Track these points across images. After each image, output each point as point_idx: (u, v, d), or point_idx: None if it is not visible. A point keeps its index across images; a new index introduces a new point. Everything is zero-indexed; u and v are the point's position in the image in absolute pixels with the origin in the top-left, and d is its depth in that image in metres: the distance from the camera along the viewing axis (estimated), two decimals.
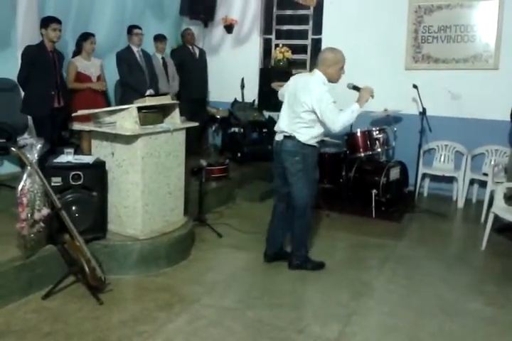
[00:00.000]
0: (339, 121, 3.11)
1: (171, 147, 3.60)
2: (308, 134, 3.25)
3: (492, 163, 5.12)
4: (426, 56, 5.67)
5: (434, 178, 5.60)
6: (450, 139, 5.49)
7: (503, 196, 4.03)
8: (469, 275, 3.54)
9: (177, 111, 3.73)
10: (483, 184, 5.06)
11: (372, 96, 3.22)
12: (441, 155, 5.58)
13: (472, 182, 5.32)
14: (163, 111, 3.69)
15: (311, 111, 3.17)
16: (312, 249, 4.05)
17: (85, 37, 4.72)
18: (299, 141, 3.25)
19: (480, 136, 5.28)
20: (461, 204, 5.27)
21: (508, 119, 4.47)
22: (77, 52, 4.77)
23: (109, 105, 4.87)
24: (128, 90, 5.05)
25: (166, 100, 3.73)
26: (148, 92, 4.94)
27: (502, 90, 5.07)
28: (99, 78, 4.81)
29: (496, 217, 3.97)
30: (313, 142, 3.29)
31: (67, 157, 3.30)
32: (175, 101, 3.83)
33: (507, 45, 5.19)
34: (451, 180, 5.48)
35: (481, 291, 3.27)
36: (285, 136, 3.30)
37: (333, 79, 3.26)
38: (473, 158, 5.32)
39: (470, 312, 2.99)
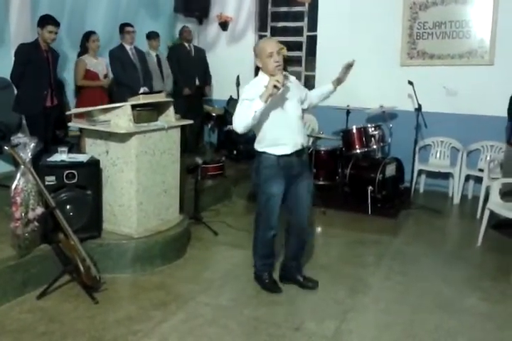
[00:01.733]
0: (234, 118, 2.67)
1: (166, 145, 3.58)
2: (256, 139, 2.91)
3: (488, 158, 5.12)
4: (421, 52, 5.66)
5: (430, 174, 5.60)
6: (446, 135, 5.49)
7: (499, 192, 4.04)
8: (465, 271, 3.54)
9: (171, 109, 3.71)
10: (479, 180, 5.06)
11: (277, 87, 2.54)
12: (436, 152, 5.58)
13: (468, 178, 5.33)
14: (158, 108, 3.67)
15: None
16: (308, 246, 4.03)
17: (87, 36, 4.78)
18: (255, 149, 2.96)
19: (475, 131, 5.28)
20: (457, 200, 5.27)
21: (504, 115, 4.46)
22: (82, 52, 4.82)
23: (109, 103, 4.89)
24: (122, 88, 5.04)
25: (160, 98, 3.72)
26: (142, 90, 4.94)
27: (497, 86, 5.07)
28: (105, 77, 4.92)
29: (492, 213, 3.97)
30: (261, 149, 2.86)
31: (61, 156, 3.29)
32: (169, 99, 3.81)
33: (502, 41, 5.18)
34: (447, 176, 5.48)
35: (477, 287, 3.27)
36: None
37: (271, 72, 2.73)
38: (468, 153, 5.32)
39: (466, 308, 2.99)
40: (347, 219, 4.66)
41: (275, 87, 2.53)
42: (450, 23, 5.50)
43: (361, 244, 4.02)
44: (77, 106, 4.64)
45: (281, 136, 2.81)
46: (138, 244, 3.32)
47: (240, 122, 2.64)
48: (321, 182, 5.20)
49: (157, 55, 5.70)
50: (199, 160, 4.25)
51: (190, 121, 3.93)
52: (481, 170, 4.98)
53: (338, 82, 3.08)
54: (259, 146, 2.89)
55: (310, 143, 5.46)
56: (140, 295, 3.01)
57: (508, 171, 4.32)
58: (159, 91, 4.20)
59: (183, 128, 3.86)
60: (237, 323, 2.72)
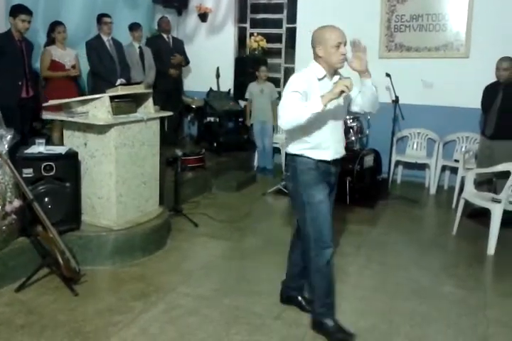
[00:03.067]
0: (284, 114, 2.27)
1: (145, 137, 3.57)
2: (291, 141, 2.49)
3: (463, 149, 5.24)
4: (399, 45, 5.74)
5: (407, 165, 5.70)
6: (422, 127, 5.59)
7: (473, 182, 4.13)
8: (441, 259, 3.63)
9: (150, 101, 3.70)
10: (454, 170, 5.18)
11: (346, 90, 2.24)
12: (413, 143, 5.68)
13: (444, 168, 5.45)
14: (137, 100, 3.65)
15: None
16: (289, 237, 4.06)
17: (53, 27, 4.67)
18: (286, 153, 2.56)
19: (451, 123, 5.38)
20: (433, 190, 5.38)
21: (478, 107, 4.55)
22: (49, 42, 4.70)
23: (82, 94, 4.80)
24: (99, 80, 4.99)
25: (138, 89, 3.69)
26: (119, 82, 4.88)
27: (472, 78, 5.15)
28: (73, 68, 4.78)
29: (467, 203, 4.07)
30: (298, 151, 2.46)
31: (39, 148, 3.25)
32: (148, 90, 3.79)
33: (477, 34, 5.28)
34: (423, 166, 5.58)
35: (453, 274, 3.37)
36: None
37: (332, 64, 2.38)
38: (445, 145, 5.43)
39: (442, 294, 3.07)
40: None
41: (342, 92, 2.21)
42: (427, 16, 5.58)
43: (340, 234, 4.07)
44: (44, 97, 4.47)
45: (325, 140, 2.44)
46: (117, 236, 3.31)
47: (291, 121, 2.25)
48: None
49: (140, 47, 5.64)
50: (179, 152, 4.25)
51: (170, 113, 3.92)
52: (457, 161, 5.09)
53: (360, 73, 2.43)
54: (295, 148, 2.46)
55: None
56: (120, 287, 3.01)
57: (482, 162, 4.42)
58: (138, 83, 4.17)
59: (162, 120, 3.84)
60: (218, 313, 2.74)
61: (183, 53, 6.17)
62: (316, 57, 2.41)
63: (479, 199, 3.96)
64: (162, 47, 5.95)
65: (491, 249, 3.71)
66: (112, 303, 2.80)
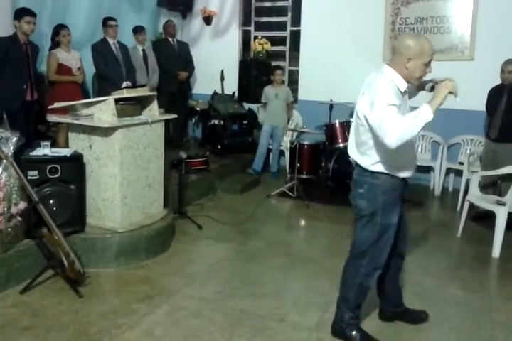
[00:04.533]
0: (392, 130, 2.01)
1: (150, 139, 3.58)
2: (371, 159, 2.28)
3: (467, 152, 5.22)
4: None
5: None
6: (427, 129, 5.57)
7: (478, 184, 4.12)
8: (445, 262, 3.63)
9: (155, 103, 3.72)
10: (459, 173, 5.16)
11: (454, 94, 2.13)
12: (418, 146, 5.66)
13: (449, 171, 5.43)
14: (141, 103, 3.67)
15: (365, 123, 2.22)
16: (293, 239, 4.11)
17: (57, 30, 4.71)
18: (362, 167, 2.34)
19: (456, 126, 5.36)
20: (438, 192, 5.37)
21: (483, 109, 4.54)
22: (54, 46, 4.74)
23: (86, 97, 4.83)
24: (105, 82, 5.03)
25: (143, 92, 3.71)
26: (124, 84, 4.91)
27: (477, 81, 5.13)
28: (79, 70, 4.81)
29: (472, 205, 4.06)
30: (383, 170, 2.27)
31: (44, 150, 3.26)
32: (152, 93, 3.82)
33: (482, 36, 5.28)
34: (428, 169, 5.57)
35: (457, 277, 3.35)
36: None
37: (411, 79, 2.23)
38: (449, 147, 5.42)
39: (446, 297, 3.06)
40: (331, 212, 4.71)
41: (450, 93, 2.08)
42: (431, 19, 5.58)
43: (345, 237, 4.02)
44: (49, 100, 4.48)
45: (410, 158, 2.33)
46: (122, 238, 3.32)
47: (403, 135, 2.03)
48: (304, 176, 5.25)
49: (143, 50, 5.68)
50: (183, 155, 4.26)
51: (174, 116, 3.94)
52: (461, 164, 5.08)
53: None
54: (380, 168, 2.27)
55: (294, 138, 5.51)
56: (124, 289, 3.01)
57: (486, 164, 4.41)
58: (143, 86, 4.20)
59: (166, 122, 3.86)
60: (222, 315, 2.75)
61: (189, 56, 6.20)
62: (400, 67, 2.19)
63: (484, 201, 3.94)
64: (168, 50, 5.99)
65: (496, 251, 3.69)
66: (116, 305, 2.81)
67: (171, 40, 6.06)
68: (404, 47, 2.18)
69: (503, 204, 3.76)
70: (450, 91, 2.06)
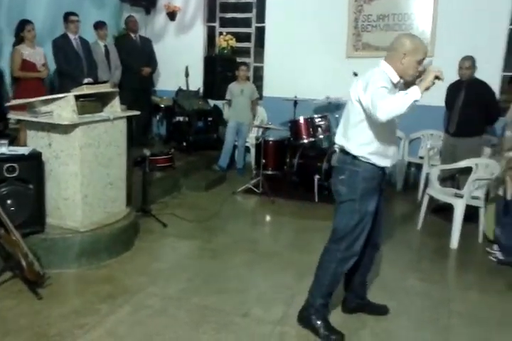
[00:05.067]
0: (384, 105, 2.15)
1: (111, 137, 3.52)
2: (357, 142, 2.40)
3: (428, 146, 5.36)
4: (366, 44, 5.82)
5: None
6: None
7: (437, 178, 4.24)
8: (406, 254, 3.72)
9: (117, 100, 3.66)
10: (419, 167, 5.29)
11: (440, 78, 2.24)
12: None
13: (410, 165, 5.56)
14: (103, 99, 3.61)
15: (359, 106, 2.35)
16: (258, 235, 4.13)
17: (21, 26, 4.60)
18: (344, 154, 2.46)
19: (417, 121, 5.44)
20: (399, 186, 5.49)
21: (443, 105, 4.66)
22: (18, 41, 4.63)
23: (52, 94, 4.73)
24: (66, 79, 4.94)
25: (104, 88, 3.65)
26: (86, 81, 4.82)
27: None
28: (43, 66, 4.74)
29: (431, 198, 4.18)
30: (366, 154, 2.38)
31: (1, 148, 3.17)
32: (114, 90, 3.75)
33: (442, 33, 5.40)
34: None
35: (417, 269, 3.45)
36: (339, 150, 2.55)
37: (405, 75, 2.37)
38: (410, 142, 5.55)
39: (406, 288, 3.14)
40: (295, 207, 4.76)
41: (437, 78, 2.19)
42: (393, 16, 5.68)
43: (309, 231, 4.12)
44: (15, 97, 4.44)
45: (390, 146, 2.44)
46: (83, 237, 3.27)
47: (393, 110, 2.15)
48: (270, 172, 5.27)
49: (105, 46, 5.57)
50: (147, 152, 4.22)
51: (137, 112, 3.88)
52: (422, 158, 5.20)
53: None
54: (364, 151, 2.38)
55: (259, 134, 5.53)
56: (86, 289, 2.97)
57: (445, 158, 4.54)
58: (104, 82, 4.13)
59: (129, 119, 3.81)
60: (186, 312, 2.74)
61: (152, 52, 6.12)
62: (395, 62, 2.35)
63: (443, 194, 4.06)
64: (130, 46, 5.89)
65: (454, 243, 3.81)
66: (78, 306, 2.76)
67: (133, 35, 5.97)
68: (399, 44, 2.35)
69: (461, 196, 3.89)
70: (437, 76, 2.20)
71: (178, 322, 2.63)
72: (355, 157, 2.40)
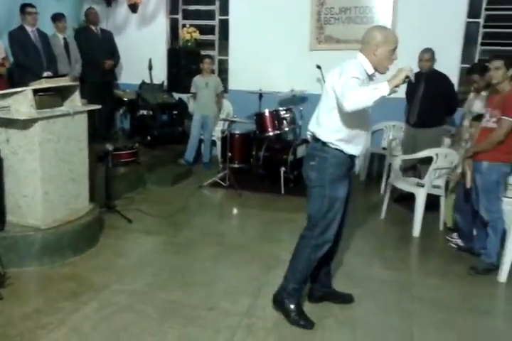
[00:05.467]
0: (352, 96, 2.21)
1: (72, 131, 3.44)
2: (327, 129, 2.46)
3: (390, 137, 5.47)
4: (328, 37, 5.86)
5: None
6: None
7: (399, 168, 4.34)
8: (370, 242, 3.80)
9: (77, 94, 3.57)
10: (382, 158, 5.39)
11: (410, 78, 2.31)
12: None
13: (373, 156, 5.66)
14: (63, 93, 3.51)
15: (333, 93, 2.40)
16: (225, 228, 4.13)
17: None
18: (316, 141, 2.53)
19: (379, 113, 5.50)
20: (363, 177, 5.59)
21: (403, 96, 4.75)
22: None
23: (10, 88, 4.59)
24: (24, 72, 4.78)
25: (64, 82, 3.56)
26: (45, 74, 4.68)
27: (396, 69, 5.37)
28: (3, 60, 4.57)
29: (394, 188, 4.27)
30: (334, 141, 2.45)
31: None
32: (74, 83, 3.67)
33: (402, 26, 5.46)
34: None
35: (381, 256, 3.53)
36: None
37: (380, 66, 2.46)
38: (373, 133, 5.64)
39: (371, 276, 3.22)
40: (262, 200, 4.78)
41: (407, 77, 2.26)
42: (355, 9, 5.74)
43: (276, 223, 4.15)
44: None
45: (359, 135, 2.50)
46: (45, 235, 3.19)
47: (360, 102, 2.20)
48: (236, 165, 5.27)
49: (64, 38, 5.42)
50: (109, 147, 4.14)
51: (98, 106, 3.80)
52: (385, 149, 5.31)
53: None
54: (332, 138, 2.44)
55: (225, 127, 5.51)
56: (49, 288, 2.91)
57: (407, 149, 4.64)
58: (63, 75, 4.03)
59: (91, 114, 3.73)
60: (153, 307, 2.72)
61: (113, 45, 6.00)
62: (369, 54, 2.44)
63: (405, 184, 4.16)
64: (91, 39, 5.75)
65: (416, 231, 3.92)
66: (40, 305, 2.70)
67: (93, 28, 5.83)
68: (371, 37, 2.44)
69: (422, 185, 3.99)
70: (407, 76, 2.27)
71: (145, 318, 2.62)
72: (324, 143, 2.47)
